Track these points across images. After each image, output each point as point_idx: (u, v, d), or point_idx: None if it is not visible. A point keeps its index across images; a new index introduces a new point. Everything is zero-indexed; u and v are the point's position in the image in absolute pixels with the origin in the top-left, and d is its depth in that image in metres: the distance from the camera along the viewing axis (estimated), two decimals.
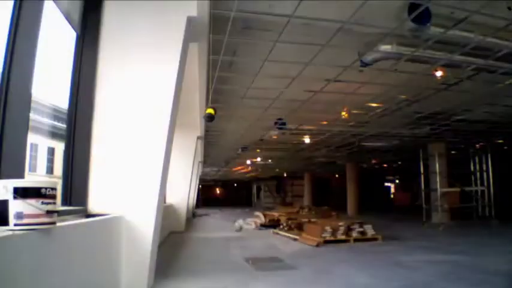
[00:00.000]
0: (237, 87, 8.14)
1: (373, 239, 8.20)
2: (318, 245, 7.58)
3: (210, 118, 4.17)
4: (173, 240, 8.89)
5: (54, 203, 2.05)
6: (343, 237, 8.01)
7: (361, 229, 8.32)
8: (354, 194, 22.36)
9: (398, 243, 7.94)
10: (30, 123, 2.53)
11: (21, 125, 2.41)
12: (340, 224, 8.25)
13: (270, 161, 22.08)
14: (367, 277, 4.70)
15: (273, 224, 12.11)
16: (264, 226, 12.47)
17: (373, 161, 22.68)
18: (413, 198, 26.38)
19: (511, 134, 13.40)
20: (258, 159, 21.31)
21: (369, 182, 31.39)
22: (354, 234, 8.13)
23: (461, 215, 13.50)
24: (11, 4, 2.34)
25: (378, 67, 6.63)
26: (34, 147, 15.26)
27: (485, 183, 14.03)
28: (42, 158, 16.21)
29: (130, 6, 3.72)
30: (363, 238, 8.13)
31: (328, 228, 8.00)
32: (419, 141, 14.37)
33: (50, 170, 16.83)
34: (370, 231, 8.33)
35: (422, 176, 14.64)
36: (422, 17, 4.82)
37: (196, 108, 8.38)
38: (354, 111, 10.17)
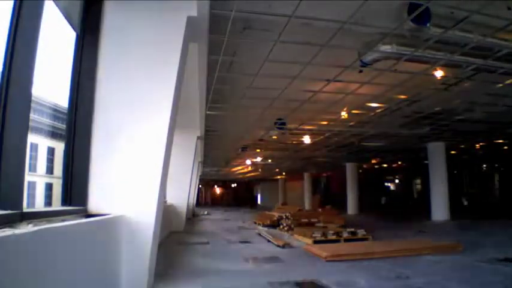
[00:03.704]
0: (237, 87, 8.14)
1: (364, 238, 8.30)
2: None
3: None
4: (173, 240, 8.89)
5: None
6: (334, 237, 8.16)
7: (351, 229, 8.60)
8: (354, 194, 22.35)
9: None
10: (30, 123, 2.53)
11: (21, 125, 2.41)
12: (331, 231, 8.43)
13: (270, 161, 22.09)
14: None
15: (273, 224, 12.11)
16: (265, 226, 12.48)
17: (373, 161, 22.70)
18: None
19: (511, 134, 13.42)
20: (258, 159, 21.32)
21: (369, 181, 31.43)
22: (345, 235, 8.29)
23: None
24: (11, 4, 2.34)
25: (377, 67, 6.64)
26: (34, 147, 15.26)
27: None
28: (42, 158, 16.22)
29: (130, 6, 3.72)
30: (353, 238, 8.27)
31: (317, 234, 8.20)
32: (419, 141, 14.39)
33: (50, 170, 16.84)
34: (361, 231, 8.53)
35: None
36: (422, 17, 4.83)
37: (197, 108, 8.37)
38: (354, 111, 10.18)
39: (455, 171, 25.86)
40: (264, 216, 14.07)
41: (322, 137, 13.92)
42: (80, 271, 2.56)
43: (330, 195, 31.86)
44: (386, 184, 37.86)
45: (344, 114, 10.33)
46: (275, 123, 11.41)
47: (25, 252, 1.82)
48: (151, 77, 3.76)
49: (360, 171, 25.08)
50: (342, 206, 21.98)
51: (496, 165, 23.95)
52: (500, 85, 7.77)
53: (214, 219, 18.17)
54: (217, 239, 9.55)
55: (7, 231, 1.78)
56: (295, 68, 6.82)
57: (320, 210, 14.96)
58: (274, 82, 7.60)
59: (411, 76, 7.26)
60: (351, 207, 21.98)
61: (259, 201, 43.21)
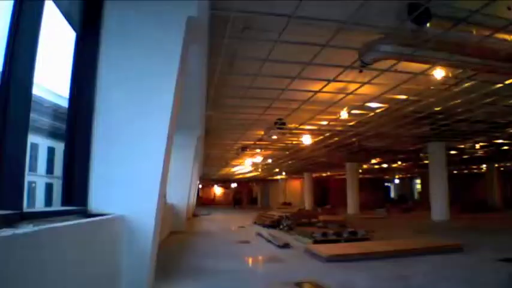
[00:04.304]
0: (237, 88, 8.15)
1: (364, 238, 8.26)
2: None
3: None
4: (173, 240, 8.89)
5: None
6: (334, 237, 8.11)
7: (351, 229, 8.57)
8: (354, 194, 22.35)
9: None
10: (31, 123, 2.53)
11: (21, 125, 2.41)
12: (331, 231, 8.39)
13: (270, 161, 22.09)
14: None
15: (273, 224, 12.09)
16: (265, 226, 12.47)
17: (373, 161, 22.71)
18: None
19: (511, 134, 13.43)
20: (258, 159, 21.31)
21: (369, 181, 31.46)
22: (345, 235, 8.24)
23: None
24: (11, 4, 2.34)
25: (377, 67, 6.64)
26: (34, 147, 15.27)
27: None
28: (42, 158, 16.22)
29: (131, 6, 3.71)
30: (353, 238, 8.22)
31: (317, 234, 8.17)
32: (419, 141, 14.40)
33: (50, 170, 16.84)
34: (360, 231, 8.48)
35: None
36: (422, 17, 4.83)
37: (197, 108, 8.37)
38: (354, 111, 10.19)
39: (455, 172, 25.91)
40: (264, 216, 14.06)
41: (322, 137, 13.92)
42: (80, 271, 2.56)
43: (329, 195, 31.90)
44: (386, 184, 37.87)
45: (344, 114, 10.33)
46: (275, 123, 11.41)
47: (25, 252, 1.82)
48: (151, 77, 3.75)
49: (360, 171, 25.08)
50: (341, 206, 22.00)
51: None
52: (500, 85, 7.78)
53: (214, 219, 18.17)
54: (217, 239, 9.55)
55: (7, 231, 1.78)
56: (295, 68, 6.83)
57: (320, 210, 14.97)
58: (274, 82, 7.61)
59: (411, 76, 7.27)
60: (351, 206, 21.97)
61: (259, 201, 43.17)
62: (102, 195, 3.58)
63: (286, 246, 7.62)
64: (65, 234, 2.37)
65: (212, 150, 17.93)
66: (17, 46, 2.32)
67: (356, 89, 8.14)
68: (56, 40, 4.03)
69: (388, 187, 39.46)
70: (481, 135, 13.94)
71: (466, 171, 29.18)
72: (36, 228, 2.00)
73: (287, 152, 18.59)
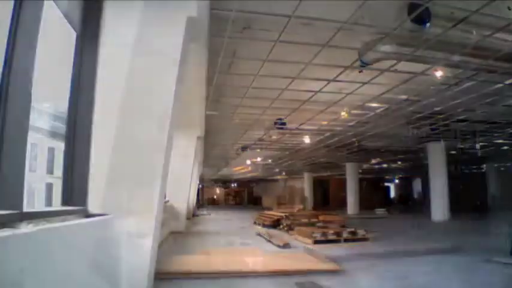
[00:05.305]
0: (237, 87, 8.15)
1: (364, 239, 8.23)
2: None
3: None
4: (173, 240, 8.89)
5: None
6: (334, 237, 8.05)
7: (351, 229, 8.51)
8: (354, 194, 22.33)
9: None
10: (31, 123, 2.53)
11: (21, 125, 2.41)
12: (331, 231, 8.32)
13: (270, 161, 22.08)
14: None
15: (273, 224, 12.08)
16: (265, 226, 12.46)
17: (373, 161, 22.70)
18: None
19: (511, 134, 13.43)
20: (258, 159, 21.31)
21: (369, 181, 31.44)
22: (344, 235, 8.17)
23: None
24: (11, 4, 2.33)
25: (377, 67, 6.64)
26: (34, 147, 15.25)
27: None
28: (42, 158, 16.20)
29: (130, 6, 3.71)
30: (353, 238, 8.17)
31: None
32: (419, 141, 14.39)
33: (50, 170, 16.81)
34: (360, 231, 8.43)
35: None
36: (422, 17, 4.83)
37: (196, 108, 8.37)
38: (354, 111, 10.18)
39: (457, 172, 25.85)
40: (264, 217, 14.05)
41: (322, 137, 13.92)
42: (80, 271, 2.56)
43: (329, 195, 31.88)
44: (386, 184, 37.85)
45: (344, 114, 10.33)
46: (275, 123, 11.42)
47: (25, 252, 1.82)
48: (151, 77, 3.75)
49: (360, 171, 25.05)
50: (341, 206, 21.97)
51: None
52: (500, 85, 7.78)
53: (214, 220, 18.16)
54: (217, 239, 9.54)
55: (7, 231, 1.78)
56: (295, 68, 6.83)
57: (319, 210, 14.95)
58: (274, 82, 7.60)
59: (411, 76, 7.27)
60: (351, 206, 21.96)
61: (259, 201, 43.20)
62: (102, 195, 3.58)
63: (286, 246, 7.61)
64: (65, 234, 2.38)
65: (212, 150, 17.92)
66: (17, 46, 2.32)
67: (356, 89, 8.13)
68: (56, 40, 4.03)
69: (388, 187, 39.42)
70: (481, 135, 13.94)
71: (466, 171, 29.15)
72: (36, 228, 2.00)
73: (287, 152, 18.59)
